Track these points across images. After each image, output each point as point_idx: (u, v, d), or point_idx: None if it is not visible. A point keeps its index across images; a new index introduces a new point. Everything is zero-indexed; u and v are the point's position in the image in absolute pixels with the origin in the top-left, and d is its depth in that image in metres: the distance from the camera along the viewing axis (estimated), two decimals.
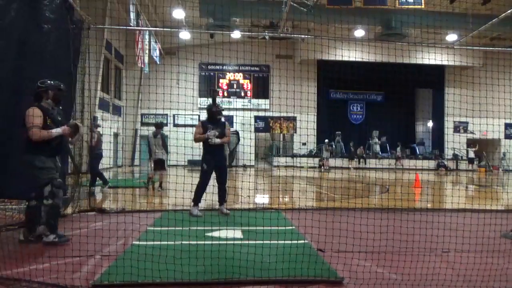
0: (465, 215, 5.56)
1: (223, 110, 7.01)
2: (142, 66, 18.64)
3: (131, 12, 14.40)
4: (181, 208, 6.52)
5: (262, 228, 4.94)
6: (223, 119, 7.05)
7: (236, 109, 25.22)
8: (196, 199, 6.64)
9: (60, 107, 5.00)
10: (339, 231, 4.51)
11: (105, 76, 20.56)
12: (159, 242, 4.35)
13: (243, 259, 3.70)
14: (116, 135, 22.37)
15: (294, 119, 26.17)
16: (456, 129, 27.00)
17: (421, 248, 4.38)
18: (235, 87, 26.67)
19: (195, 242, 4.65)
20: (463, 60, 23.49)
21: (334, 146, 26.58)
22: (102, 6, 16.27)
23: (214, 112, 6.83)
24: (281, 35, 15.46)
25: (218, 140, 6.67)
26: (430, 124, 29.63)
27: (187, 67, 20.79)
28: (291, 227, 5.54)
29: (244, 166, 24.13)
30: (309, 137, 24.24)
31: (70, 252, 4.13)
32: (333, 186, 13.44)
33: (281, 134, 28.26)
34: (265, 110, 26.56)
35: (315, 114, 25.40)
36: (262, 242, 4.63)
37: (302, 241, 4.74)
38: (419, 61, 24.31)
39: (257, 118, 26.49)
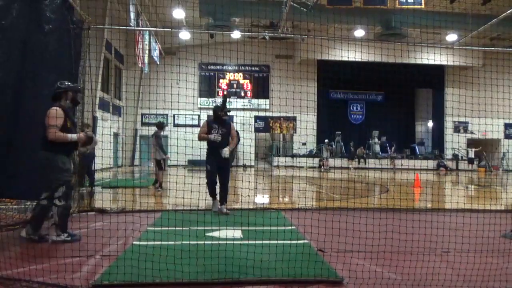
0: (465, 215, 5.56)
1: (229, 111, 7.11)
2: (142, 66, 18.65)
3: (131, 12, 14.41)
4: (181, 208, 6.52)
5: (262, 228, 4.94)
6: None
7: (236, 109, 25.21)
8: (211, 193, 6.96)
9: (75, 109, 5.06)
10: (339, 231, 4.51)
11: (105, 76, 20.56)
12: (159, 242, 4.34)
13: (243, 259, 3.71)
14: (116, 135, 22.37)
15: (294, 119, 26.18)
16: (456, 129, 27.01)
17: (421, 248, 4.38)
18: (235, 87, 26.67)
19: (195, 242, 4.65)
20: (463, 60, 23.50)
21: (334, 146, 26.58)
22: (102, 6, 16.28)
23: (220, 113, 6.95)
24: (281, 35, 15.48)
25: (219, 138, 6.78)
26: (430, 124, 29.64)
27: (187, 67, 20.75)
28: (291, 227, 5.54)
29: (244, 166, 24.14)
30: (309, 137, 24.26)
31: (70, 252, 4.12)
32: (333, 186, 13.44)
33: (281, 134, 28.27)
34: (265, 110, 26.57)
35: (315, 114, 25.42)
36: (262, 242, 4.64)
37: (302, 241, 4.74)
38: (419, 61, 24.32)
39: (257, 118, 26.50)
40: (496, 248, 4.40)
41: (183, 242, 4.47)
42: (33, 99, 5.23)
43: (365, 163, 25.50)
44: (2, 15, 4.80)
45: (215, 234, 5.17)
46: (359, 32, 21.71)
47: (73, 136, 4.74)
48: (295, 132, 26.82)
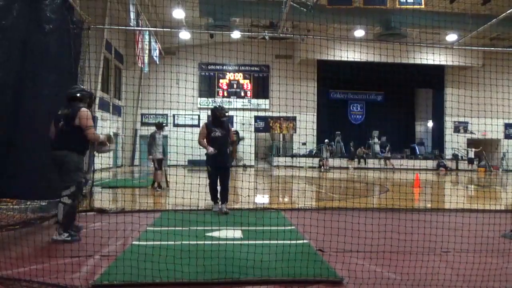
0: (465, 215, 5.56)
1: (227, 112, 7.17)
2: (142, 66, 18.64)
3: (131, 12, 14.39)
4: (181, 208, 6.53)
5: (262, 228, 4.94)
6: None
7: (236, 109, 25.22)
8: (212, 198, 7.09)
9: None
10: (338, 230, 4.51)
11: (105, 76, 20.56)
12: (159, 242, 4.35)
13: (243, 259, 3.71)
14: (116, 135, 22.37)
15: (294, 119, 26.17)
16: (456, 129, 27.01)
17: (421, 248, 4.38)
18: (235, 87, 26.67)
19: (195, 242, 4.65)
20: (463, 60, 23.50)
21: (334, 146, 26.58)
22: (102, 6, 16.27)
23: (218, 114, 7.04)
24: (280, 35, 15.47)
25: (214, 152, 6.83)
26: (430, 124, 29.64)
27: (187, 67, 20.78)
28: (290, 227, 5.55)
29: (244, 166, 24.14)
30: (309, 137, 24.25)
31: (70, 252, 4.13)
32: (333, 186, 13.44)
33: (281, 134, 28.26)
34: (265, 110, 26.56)
35: (315, 114, 25.41)
36: (262, 242, 4.64)
37: (302, 241, 4.75)
38: (419, 61, 24.29)
39: (257, 118, 26.49)
40: (496, 248, 4.40)
41: (183, 242, 4.48)
42: (33, 99, 5.23)
43: (365, 163, 25.50)
44: (2, 15, 4.80)
45: (215, 234, 5.17)
46: (359, 32, 21.71)
47: (102, 137, 5.08)
48: (295, 132, 26.81)
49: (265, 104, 26.63)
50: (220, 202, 7.06)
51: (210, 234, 5.18)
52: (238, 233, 5.21)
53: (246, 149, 25.15)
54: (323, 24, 19.73)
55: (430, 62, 24.53)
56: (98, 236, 4.30)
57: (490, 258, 4.10)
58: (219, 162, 6.92)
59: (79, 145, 4.86)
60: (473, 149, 25.71)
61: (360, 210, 6.99)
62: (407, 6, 16.90)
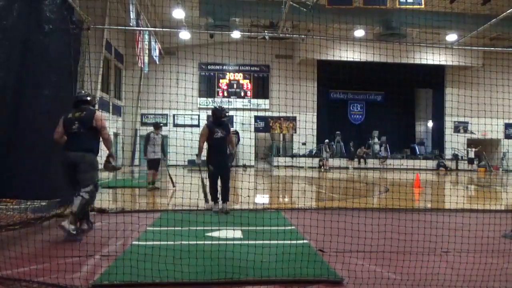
0: (465, 215, 5.56)
1: (227, 112, 7.26)
2: (142, 66, 18.64)
3: (131, 12, 14.39)
4: (181, 208, 6.52)
5: (262, 228, 4.94)
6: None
7: (236, 109, 25.21)
8: (213, 198, 7.13)
9: None
10: (338, 231, 4.51)
11: (105, 76, 20.55)
12: (158, 242, 4.34)
13: (243, 259, 3.70)
14: (116, 135, 22.36)
15: (294, 119, 26.16)
16: (456, 129, 27.00)
17: (421, 248, 4.38)
18: (235, 87, 26.65)
19: (195, 242, 4.65)
20: (463, 60, 23.49)
21: (334, 146, 26.58)
22: (102, 6, 16.26)
23: (219, 115, 7.13)
24: (280, 35, 15.46)
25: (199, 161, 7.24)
26: (430, 124, 29.63)
27: (186, 67, 20.78)
28: (290, 227, 5.54)
29: (244, 166, 24.14)
30: (309, 137, 24.25)
31: (70, 252, 4.12)
32: (333, 186, 13.43)
33: (281, 134, 28.25)
34: (265, 110, 26.55)
35: (315, 114, 25.40)
36: (262, 242, 4.64)
37: (302, 241, 4.74)
38: (419, 61, 24.31)
39: (257, 118, 26.48)
40: (496, 248, 4.40)
41: (183, 242, 4.47)
42: (33, 99, 5.23)
43: (365, 163, 25.50)
44: (2, 15, 4.79)
45: (215, 234, 5.17)
46: (359, 32, 21.70)
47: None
48: (295, 132, 26.81)
49: (265, 104, 26.62)
50: (221, 202, 7.10)
51: (210, 234, 5.18)
52: (238, 233, 5.20)
53: (246, 149, 25.18)
54: (323, 24, 19.73)
55: (430, 62, 24.51)
56: (98, 236, 4.30)
57: (490, 259, 4.09)
58: (220, 162, 6.98)
59: (95, 146, 5.13)
60: (473, 149, 25.71)
61: (360, 210, 6.98)
62: (407, 6, 16.87)
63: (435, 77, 26.79)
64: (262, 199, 10.11)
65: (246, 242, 4.44)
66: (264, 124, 26.70)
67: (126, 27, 12.64)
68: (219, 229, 5.22)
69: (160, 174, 10.76)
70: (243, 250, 3.85)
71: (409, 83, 27.60)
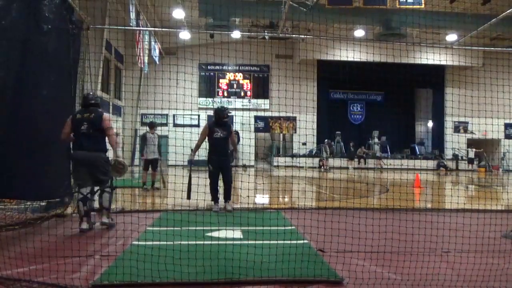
0: (465, 215, 5.56)
1: (230, 113, 7.29)
2: (142, 66, 18.63)
3: (131, 12, 14.38)
4: (181, 208, 6.52)
5: (262, 228, 4.93)
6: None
7: (236, 109, 25.20)
8: (213, 198, 7.12)
9: None
10: (338, 231, 4.51)
11: (105, 76, 20.55)
12: (158, 242, 4.34)
13: (243, 259, 3.70)
14: (116, 135, 22.34)
15: (294, 119, 26.16)
16: (456, 129, 26.99)
17: (421, 248, 4.38)
18: (235, 87, 26.65)
19: (195, 242, 4.64)
20: (463, 60, 23.48)
21: (334, 146, 26.58)
22: (101, 6, 16.24)
23: (221, 116, 7.14)
24: (280, 35, 15.45)
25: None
26: (430, 124, 29.62)
27: (186, 67, 20.77)
28: (290, 227, 5.54)
29: (244, 166, 24.13)
30: (309, 137, 24.23)
31: (70, 252, 4.12)
32: (333, 186, 13.42)
33: (281, 134, 28.24)
34: (264, 110, 26.54)
35: (315, 114, 25.38)
36: (262, 242, 4.63)
37: (302, 241, 4.74)
38: (419, 61, 24.30)
39: (257, 118, 26.47)
40: (497, 249, 4.40)
41: (183, 242, 4.47)
42: (33, 99, 5.23)
43: (365, 163, 25.49)
44: (1, 15, 4.79)
45: (215, 234, 5.17)
46: (359, 32, 21.69)
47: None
48: (295, 132, 26.80)
49: (265, 104, 26.62)
50: (223, 201, 7.10)
51: (210, 234, 5.18)
52: (238, 233, 5.20)
53: (246, 149, 25.16)
54: (323, 24, 19.73)
55: (430, 62, 24.50)
56: (98, 236, 4.30)
57: (491, 259, 4.09)
58: (220, 162, 7.00)
59: (104, 145, 5.49)
60: (473, 149, 25.70)
61: (360, 210, 6.98)
62: (407, 6, 16.87)
63: (435, 77, 26.77)
64: (262, 199, 10.11)
65: (246, 242, 4.44)
66: (264, 124, 26.69)
67: (126, 27, 12.64)
68: (219, 229, 5.21)
69: (160, 174, 10.76)
70: (243, 250, 3.84)
71: (409, 83, 27.61)
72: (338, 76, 22.66)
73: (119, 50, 22.02)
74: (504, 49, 20.65)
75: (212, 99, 25.73)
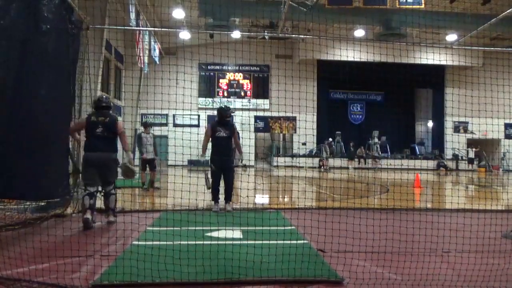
0: (466, 215, 5.56)
1: (233, 112, 7.28)
2: (142, 66, 18.63)
3: (130, 12, 14.38)
4: (181, 208, 6.51)
5: (262, 228, 4.93)
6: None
7: (236, 109, 25.19)
8: (213, 198, 7.14)
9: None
10: (339, 231, 4.50)
11: (105, 76, 20.54)
12: (158, 242, 4.33)
13: (243, 259, 3.69)
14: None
15: (294, 119, 26.16)
16: (456, 129, 27.00)
17: (421, 248, 4.37)
18: (235, 87, 26.66)
19: (195, 242, 4.63)
20: (463, 60, 23.48)
21: (334, 146, 26.59)
22: (101, 6, 16.23)
23: (224, 115, 7.19)
24: (280, 35, 15.45)
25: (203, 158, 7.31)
26: (430, 124, 29.63)
27: (186, 67, 20.77)
28: (290, 227, 5.53)
29: (244, 166, 24.13)
30: (309, 137, 24.23)
31: (70, 252, 4.11)
32: (333, 186, 13.42)
33: (281, 134, 28.25)
34: (264, 110, 26.54)
35: (315, 114, 25.39)
36: (262, 242, 4.63)
37: (302, 241, 4.73)
38: (419, 61, 24.29)
39: (257, 118, 26.48)
40: (497, 249, 4.39)
41: (183, 242, 4.46)
42: (33, 99, 5.21)
43: (365, 163, 25.49)
44: (1, 15, 4.78)
45: (215, 234, 5.16)
46: (359, 32, 21.69)
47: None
48: (295, 132, 26.80)
49: (265, 104, 26.62)
50: (223, 202, 7.09)
51: (210, 234, 5.17)
52: (238, 233, 5.19)
53: (246, 149, 25.15)
54: (323, 24, 19.73)
55: (430, 62, 24.51)
56: (98, 236, 4.29)
57: (491, 259, 4.08)
58: (223, 162, 6.99)
59: (116, 146, 5.77)
60: (473, 149, 25.71)
61: (360, 211, 6.97)
62: (407, 6, 16.88)
63: (435, 77, 26.77)
64: (262, 199, 10.11)
65: (246, 242, 4.43)
66: (264, 124, 26.70)
67: (126, 27, 12.65)
68: (218, 229, 5.21)
69: (159, 174, 10.74)
70: (243, 250, 3.83)
71: (409, 83, 27.61)
72: (338, 76, 22.67)
73: (119, 50, 22.02)
74: (504, 49, 20.66)
75: (212, 99, 25.73)
